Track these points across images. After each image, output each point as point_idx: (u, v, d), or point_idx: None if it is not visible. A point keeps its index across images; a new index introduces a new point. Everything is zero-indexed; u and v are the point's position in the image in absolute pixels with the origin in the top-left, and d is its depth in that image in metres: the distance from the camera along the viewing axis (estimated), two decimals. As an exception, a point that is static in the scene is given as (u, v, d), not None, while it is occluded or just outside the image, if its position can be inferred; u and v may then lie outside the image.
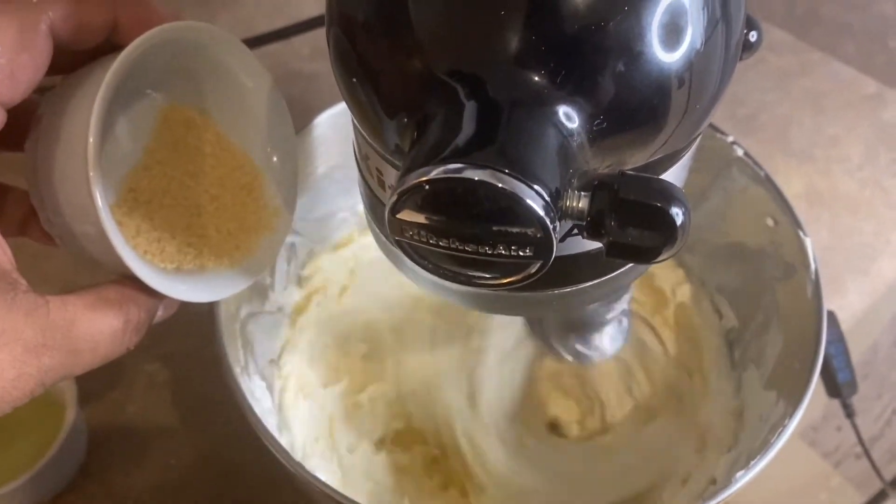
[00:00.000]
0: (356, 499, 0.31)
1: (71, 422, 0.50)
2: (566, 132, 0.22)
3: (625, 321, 0.39)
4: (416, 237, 0.22)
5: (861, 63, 0.76)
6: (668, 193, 0.21)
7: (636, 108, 0.22)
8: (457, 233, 0.22)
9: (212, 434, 0.56)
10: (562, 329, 0.40)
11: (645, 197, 0.21)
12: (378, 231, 0.32)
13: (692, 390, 0.45)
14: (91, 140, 0.26)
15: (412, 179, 0.21)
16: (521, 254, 0.22)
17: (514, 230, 0.21)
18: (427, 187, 0.21)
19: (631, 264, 0.30)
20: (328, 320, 0.46)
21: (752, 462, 0.31)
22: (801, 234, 0.38)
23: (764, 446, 0.33)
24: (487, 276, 0.23)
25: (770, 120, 0.73)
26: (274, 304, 0.44)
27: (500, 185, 0.21)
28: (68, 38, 0.27)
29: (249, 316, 0.40)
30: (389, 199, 0.22)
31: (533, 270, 0.22)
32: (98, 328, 0.26)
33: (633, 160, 0.24)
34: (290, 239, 0.45)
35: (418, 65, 0.23)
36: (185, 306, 0.57)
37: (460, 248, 0.22)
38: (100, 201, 0.26)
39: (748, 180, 0.41)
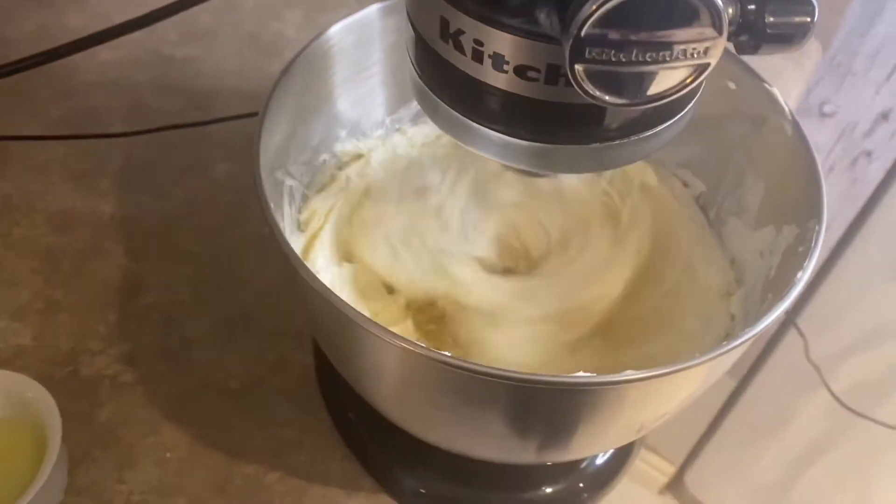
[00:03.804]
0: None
1: (57, 448, 0.46)
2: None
3: None
4: (597, 56, 0.24)
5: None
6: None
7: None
8: (640, 42, 0.24)
9: (201, 419, 0.53)
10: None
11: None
12: (455, 114, 0.33)
13: (674, 267, 0.50)
14: None
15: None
16: (695, 55, 0.24)
17: (693, 30, 0.24)
18: (618, 2, 0.23)
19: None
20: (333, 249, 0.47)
21: (805, 263, 0.36)
22: (766, 86, 0.44)
23: (793, 261, 0.39)
24: (654, 89, 0.25)
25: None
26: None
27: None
28: None
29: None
30: (576, 21, 0.23)
31: (703, 74, 0.25)
32: None
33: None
34: (288, 182, 0.44)
35: None
36: (135, 299, 0.56)
37: (641, 59, 0.24)
38: None
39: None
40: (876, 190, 0.99)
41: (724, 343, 0.33)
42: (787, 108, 0.43)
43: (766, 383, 1.20)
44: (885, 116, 0.93)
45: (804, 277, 0.36)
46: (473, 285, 0.45)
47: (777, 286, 0.40)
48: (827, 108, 0.95)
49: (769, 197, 0.45)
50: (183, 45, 0.75)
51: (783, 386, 1.18)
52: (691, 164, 0.50)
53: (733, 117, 0.46)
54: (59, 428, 0.47)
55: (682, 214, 0.50)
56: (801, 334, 1.07)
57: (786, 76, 0.79)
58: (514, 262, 0.49)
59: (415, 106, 0.52)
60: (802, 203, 0.40)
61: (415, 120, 0.53)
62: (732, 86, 0.45)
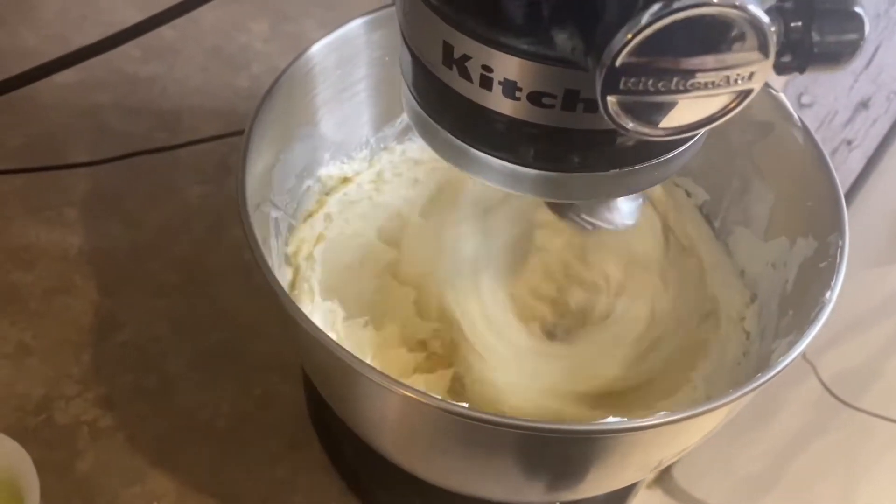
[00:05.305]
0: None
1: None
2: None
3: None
4: (633, 87, 0.22)
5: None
6: (851, -1, 0.23)
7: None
8: (679, 71, 0.22)
9: (188, 463, 0.50)
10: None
11: (838, 4, 0.22)
12: (458, 142, 0.30)
13: (684, 277, 0.48)
14: None
15: (639, 25, 0.21)
16: (739, 81, 0.22)
17: (738, 55, 0.22)
18: (657, 28, 0.21)
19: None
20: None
21: (833, 282, 0.34)
22: (773, 92, 0.42)
23: (813, 276, 0.37)
24: (696, 118, 0.23)
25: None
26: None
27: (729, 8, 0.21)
28: None
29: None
30: (610, 50, 0.21)
31: (745, 100, 0.23)
32: None
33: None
34: (273, 213, 0.42)
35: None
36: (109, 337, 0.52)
37: (680, 87, 0.22)
38: None
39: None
40: (857, 178, 0.98)
41: (759, 375, 0.31)
42: (796, 116, 0.41)
43: (755, 377, 1.19)
44: (864, 105, 0.92)
45: (833, 297, 0.34)
46: (491, 342, 0.43)
47: (798, 302, 0.38)
48: (805, 99, 0.94)
49: (780, 207, 0.43)
50: (146, 62, 0.72)
51: (774, 379, 1.17)
52: (692, 172, 0.48)
53: (737, 124, 0.44)
54: (37, 483, 0.44)
55: (696, 229, 0.48)
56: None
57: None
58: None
59: (400, 123, 0.49)
60: (819, 215, 0.39)
61: (400, 138, 0.50)
62: (736, 92, 0.43)
